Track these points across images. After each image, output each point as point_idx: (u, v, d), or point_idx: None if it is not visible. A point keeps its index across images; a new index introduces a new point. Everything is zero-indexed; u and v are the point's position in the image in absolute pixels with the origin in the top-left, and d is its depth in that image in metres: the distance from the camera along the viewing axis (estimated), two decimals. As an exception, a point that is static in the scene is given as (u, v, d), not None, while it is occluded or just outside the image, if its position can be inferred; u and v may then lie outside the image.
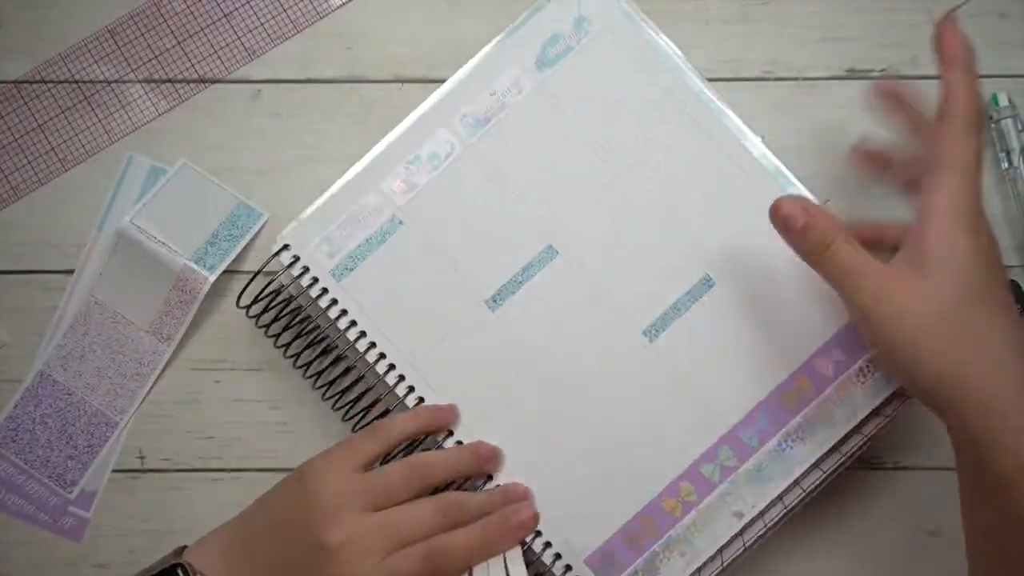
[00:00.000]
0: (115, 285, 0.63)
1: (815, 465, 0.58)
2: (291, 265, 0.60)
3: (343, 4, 0.66)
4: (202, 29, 0.66)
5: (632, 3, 0.62)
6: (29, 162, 0.65)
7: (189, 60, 0.66)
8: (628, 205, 0.60)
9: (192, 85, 0.65)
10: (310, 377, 0.62)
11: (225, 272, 0.63)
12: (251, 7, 0.66)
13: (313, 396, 0.62)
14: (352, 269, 0.60)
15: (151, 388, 0.63)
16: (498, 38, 0.62)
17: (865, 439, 0.58)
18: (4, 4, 0.65)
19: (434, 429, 0.58)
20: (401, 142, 0.61)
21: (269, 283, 0.61)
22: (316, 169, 0.65)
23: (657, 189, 0.60)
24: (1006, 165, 0.64)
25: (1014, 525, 0.48)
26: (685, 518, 0.58)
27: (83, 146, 0.65)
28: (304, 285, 0.60)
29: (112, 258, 0.63)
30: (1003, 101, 0.64)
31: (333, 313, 0.59)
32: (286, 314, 0.62)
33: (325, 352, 0.61)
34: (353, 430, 0.61)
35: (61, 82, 0.65)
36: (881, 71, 0.65)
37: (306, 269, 0.60)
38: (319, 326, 0.61)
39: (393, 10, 0.66)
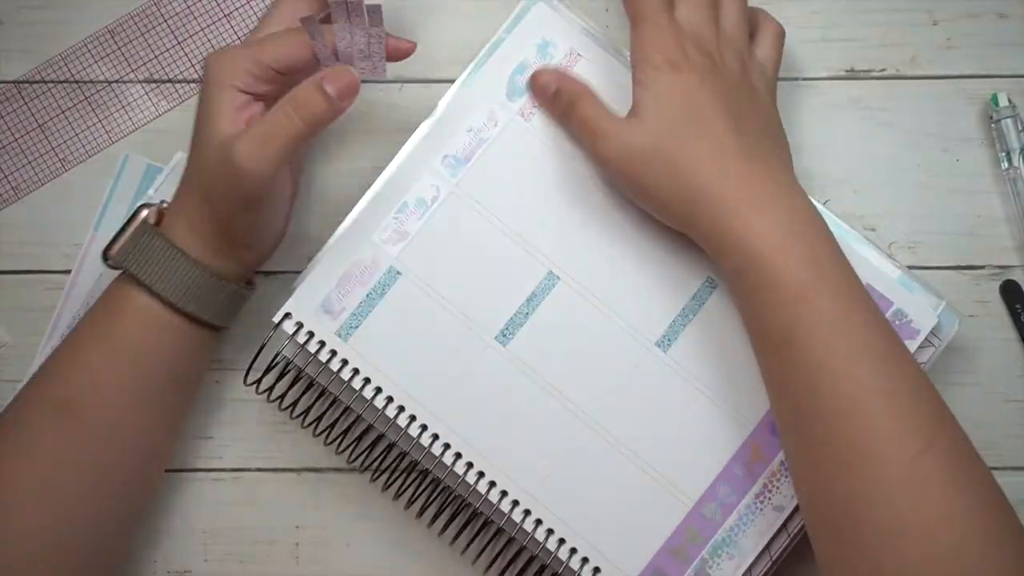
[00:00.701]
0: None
1: None
2: (295, 333, 0.59)
3: (343, 4, 0.66)
4: (202, 29, 0.66)
5: (590, 22, 0.61)
6: (29, 162, 0.65)
7: (189, 60, 0.66)
8: (621, 221, 0.60)
9: (192, 85, 0.65)
10: (331, 443, 0.61)
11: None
12: (251, 7, 0.66)
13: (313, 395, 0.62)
14: (357, 327, 0.59)
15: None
16: (464, 75, 0.61)
17: None
18: (4, 4, 0.65)
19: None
20: (386, 191, 0.60)
21: (276, 356, 0.60)
22: (316, 169, 0.65)
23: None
24: (1006, 165, 0.64)
25: (745, 311, 0.56)
26: (727, 521, 0.58)
27: (83, 146, 0.65)
28: (312, 351, 0.59)
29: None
30: (1003, 101, 0.64)
31: (346, 374, 0.58)
32: (296, 383, 0.60)
33: (343, 414, 0.60)
34: (383, 491, 0.60)
35: (61, 82, 0.65)
36: (881, 71, 0.65)
37: (311, 335, 0.59)
38: (332, 391, 0.60)
39: (393, 10, 0.66)
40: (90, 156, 0.65)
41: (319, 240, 0.62)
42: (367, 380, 0.58)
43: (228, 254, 0.58)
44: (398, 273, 0.59)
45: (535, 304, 0.59)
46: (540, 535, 0.57)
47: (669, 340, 0.59)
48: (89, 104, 0.65)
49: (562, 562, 0.57)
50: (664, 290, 0.59)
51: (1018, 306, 0.64)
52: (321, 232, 0.62)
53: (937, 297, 0.59)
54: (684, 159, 0.55)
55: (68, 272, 0.64)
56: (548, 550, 0.57)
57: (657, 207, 0.57)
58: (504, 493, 0.57)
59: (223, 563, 0.62)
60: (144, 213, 0.58)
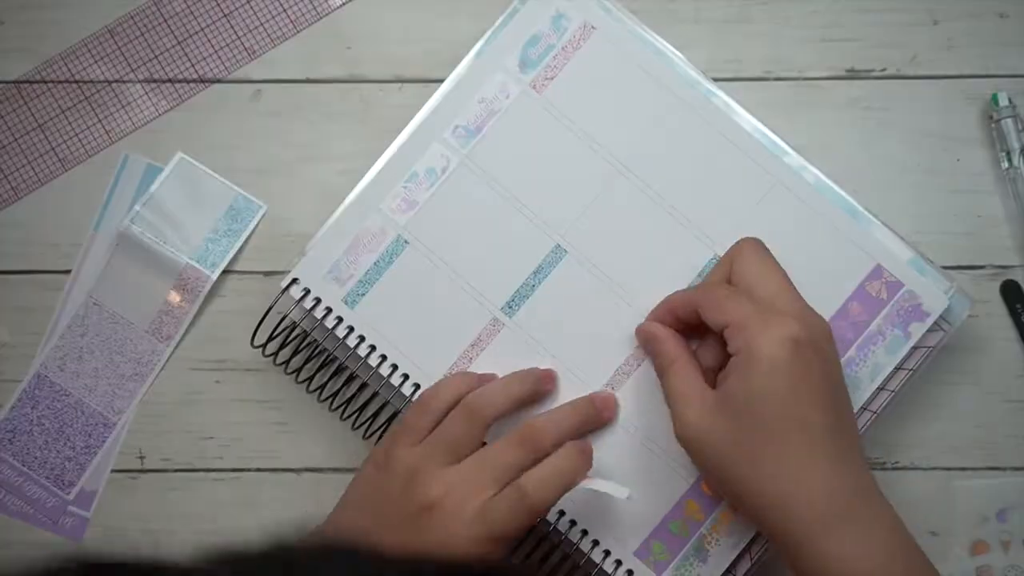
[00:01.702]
0: (114, 286, 0.63)
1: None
2: (302, 299, 0.59)
3: (343, 4, 0.66)
4: (202, 29, 0.66)
5: None
6: (29, 162, 0.65)
7: (189, 60, 0.66)
8: (630, 196, 0.60)
9: (192, 85, 0.65)
10: (337, 409, 0.61)
11: (222, 272, 0.63)
12: (251, 7, 0.66)
13: (312, 396, 0.62)
14: (364, 294, 0.59)
15: (149, 388, 0.63)
16: (477, 45, 0.61)
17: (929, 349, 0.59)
18: (4, 4, 0.65)
19: (478, 385, 0.58)
20: (396, 161, 0.61)
21: (281, 320, 0.60)
22: (316, 169, 0.65)
23: (656, 176, 0.60)
24: (1006, 165, 0.64)
25: None
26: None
27: (83, 146, 0.65)
28: (318, 317, 0.59)
29: (112, 259, 0.63)
30: (1003, 101, 0.64)
31: (352, 341, 0.59)
32: (303, 348, 0.61)
33: (348, 382, 0.61)
34: None
35: (61, 82, 0.65)
36: (881, 71, 0.65)
37: (318, 300, 0.59)
38: (337, 356, 0.60)
39: (393, 10, 0.66)
40: (90, 156, 0.65)
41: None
42: (372, 347, 0.59)
43: None
44: (406, 242, 0.60)
45: (542, 276, 0.59)
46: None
47: None
48: (89, 104, 0.65)
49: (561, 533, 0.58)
50: (671, 267, 0.59)
51: (1018, 306, 0.64)
52: (319, 232, 0.62)
53: (948, 281, 0.59)
54: (768, 458, 0.51)
55: (68, 272, 0.64)
56: (547, 521, 0.58)
57: (729, 498, 0.56)
58: None
59: (223, 563, 0.62)
60: None
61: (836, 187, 0.60)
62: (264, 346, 0.61)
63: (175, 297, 0.63)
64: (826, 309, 0.58)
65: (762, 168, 0.60)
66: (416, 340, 0.59)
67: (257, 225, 0.64)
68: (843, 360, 0.58)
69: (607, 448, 0.58)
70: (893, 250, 0.59)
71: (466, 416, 0.56)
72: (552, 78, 0.61)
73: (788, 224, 0.60)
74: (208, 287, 0.63)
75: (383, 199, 0.60)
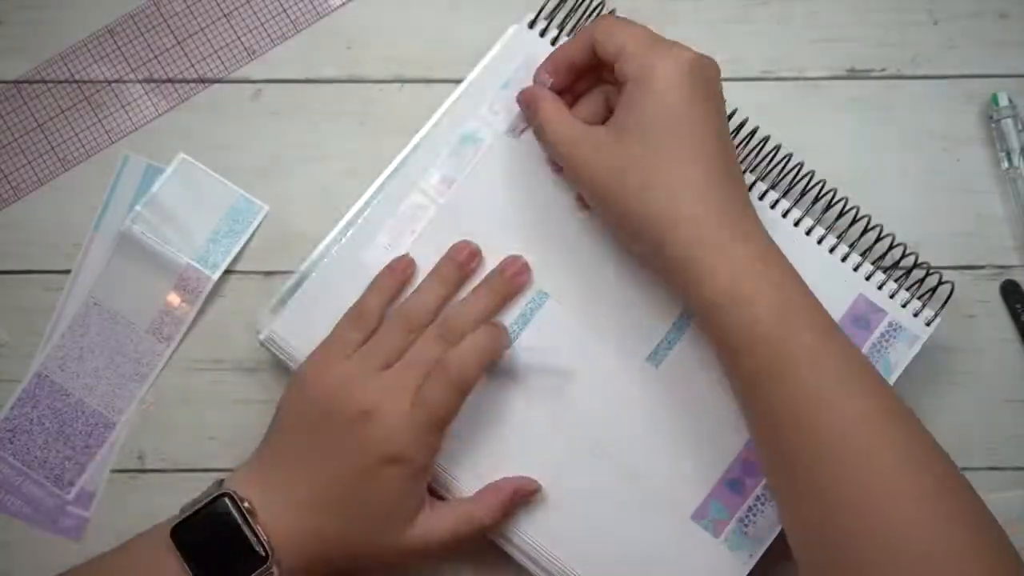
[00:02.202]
0: (115, 286, 0.63)
1: None
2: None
3: (343, 4, 0.66)
4: (202, 29, 0.66)
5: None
6: (29, 162, 0.65)
7: (189, 60, 0.66)
8: (610, 237, 0.60)
9: (192, 85, 0.65)
10: None
11: (224, 273, 0.63)
12: (251, 7, 0.66)
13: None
14: None
15: (150, 388, 0.63)
16: (455, 94, 0.62)
17: None
18: (4, 4, 0.65)
19: (405, 279, 0.60)
20: (378, 208, 0.61)
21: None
22: (316, 169, 0.65)
23: None
24: (1006, 165, 0.64)
25: (722, 348, 0.53)
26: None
27: (83, 146, 0.65)
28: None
29: (112, 259, 0.63)
30: (1003, 101, 0.64)
31: None
32: None
33: None
34: None
35: (61, 82, 0.65)
36: (881, 71, 0.65)
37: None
38: None
39: (393, 10, 0.66)
40: (90, 156, 0.65)
41: (317, 239, 0.62)
42: None
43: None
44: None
45: (524, 322, 0.60)
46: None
47: (660, 356, 0.59)
48: (89, 104, 0.65)
49: None
50: (654, 305, 0.59)
51: (1018, 306, 0.64)
52: (320, 232, 0.62)
53: (931, 310, 0.60)
54: (658, 184, 0.52)
55: (68, 272, 0.64)
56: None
57: (623, 226, 0.55)
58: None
59: (223, 563, 0.62)
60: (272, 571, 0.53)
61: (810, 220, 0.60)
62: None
63: (175, 298, 0.63)
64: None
65: None
66: None
67: (259, 226, 0.64)
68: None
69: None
70: (874, 280, 0.60)
71: (400, 326, 0.57)
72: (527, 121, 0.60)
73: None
74: (209, 288, 0.63)
75: (367, 248, 0.60)
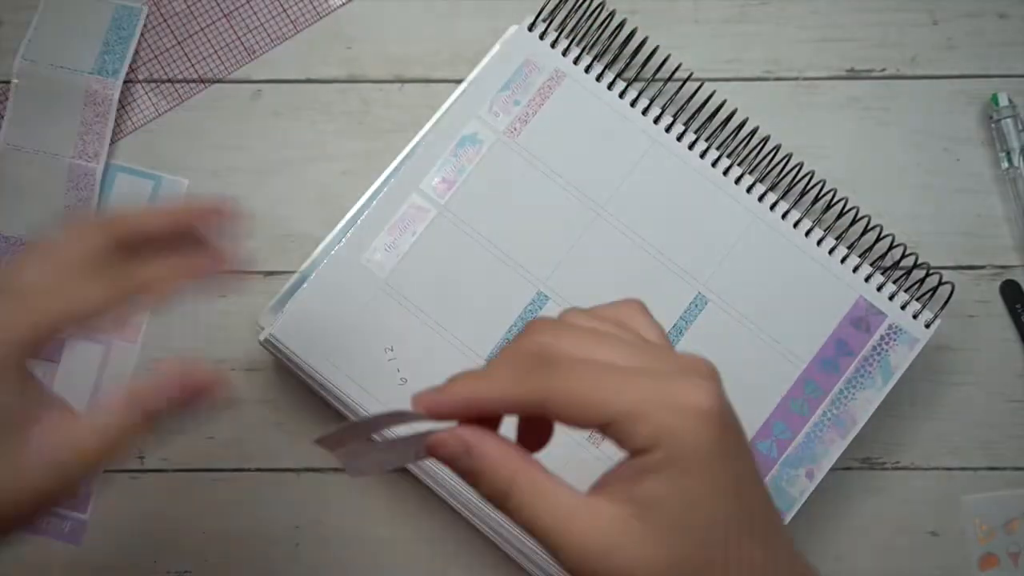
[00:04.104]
0: (27, 124, 0.63)
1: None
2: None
3: (343, 4, 0.66)
4: (202, 29, 0.66)
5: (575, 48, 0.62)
6: (29, 162, 0.65)
7: (189, 60, 0.66)
8: (611, 239, 0.60)
9: (192, 85, 0.65)
10: None
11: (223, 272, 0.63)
12: (251, 7, 0.66)
13: (312, 397, 0.62)
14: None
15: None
16: (452, 97, 0.62)
17: None
18: (4, 4, 0.65)
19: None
20: (378, 209, 0.60)
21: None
22: (316, 169, 0.65)
23: (637, 218, 0.60)
24: (1006, 165, 0.64)
25: None
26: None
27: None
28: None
29: (15, 99, 0.63)
30: (1003, 101, 0.64)
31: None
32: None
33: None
34: None
35: (61, 82, 0.65)
36: (881, 71, 0.65)
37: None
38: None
39: (393, 10, 0.66)
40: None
41: (317, 239, 0.62)
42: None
43: None
44: (388, 293, 0.60)
45: (523, 323, 0.60)
46: None
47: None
48: (89, 104, 0.65)
49: None
50: (655, 307, 0.59)
51: (1018, 306, 0.64)
52: (320, 232, 0.62)
53: (930, 312, 0.60)
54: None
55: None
56: None
57: None
58: None
59: (223, 563, 0.62)
60: None
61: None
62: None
63: (89, 114, 0.63)
64: (811, 345, 0.59)
65: (741, 206, 0.60)
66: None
67: (144, 24, 0.65)
68: (831, 396, 0.59)
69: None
70: (873, 282, 0.60)
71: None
72: (526, 123, 0.61)
73: (768, 260, 0.60)
74: (116, 95, 0.63)
75: (364, 251, 0.60)
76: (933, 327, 0.59)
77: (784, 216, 0.60)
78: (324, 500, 0.63)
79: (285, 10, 0.66)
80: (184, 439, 0.63)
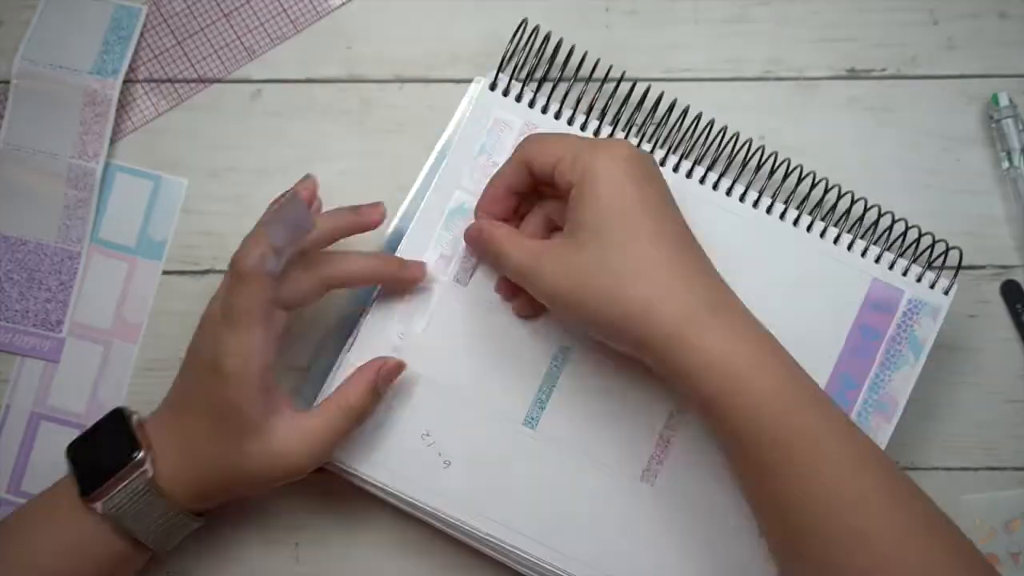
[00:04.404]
0: (26, 124, 0.63)
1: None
2: None
3: (343, 4, 0.66)
4: (202, 29, 0.66)
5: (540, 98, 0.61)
6: (29, 162, 0.65)
7: (189, 60, 0.66)
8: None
9: (192, 85, 0.65)
10: None
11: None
12: (251, 7, 0.66)
13: (312, 398, 0.62)
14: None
15: (151, 388, 0.63)
16: (414, 190, 0.62)
17: None
18: (4, 4, 0.65)
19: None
20: (384, 302, 0.60)
21: None
22: (316, 169, 0.64)
23: None
24: (1006, 165, 0.64)
25: (723, 436, 0.53)
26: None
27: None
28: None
29: (15, 99, 0.63)
30: (1003, 101, 0.64)
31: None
32: None
33: None
34: None
35: (61, 82, 0.65)
36: (881, 71, 0.65)
37: None
38: None
39: (393, 10, 0.66)
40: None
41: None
42: None
43: (212, 501, 0.57)
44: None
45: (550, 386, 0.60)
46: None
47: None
48: (89, 104, 0.65)
49: None
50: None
51: (1018, 306, 0.64)
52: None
53: (946, 280, 0.60)
54: (627, 272, 0.52)
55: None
56: None
57: (603, 333, 0.54)
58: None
59: (223, 563, 0.62)
60: (145, 467, 0.54)
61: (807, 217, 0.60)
62: None
63: (88, 114, 0.63)
64: (837, 337, 0.59)
65: (739, 218, 0.60)
66: None
67: (144, 24, 0.65)
68: (867, 383, 0.59)
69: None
70: (884, 262, 0.60)
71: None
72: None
73: (774, 264, 0.60)
74: (116, 95, 0.63)
75: (386, 332, 0.60)
76: (952, 292, 0.60)
77: (783, 216, 0.60)
78: (324, 500, 0.63)
79: (285, 10, 0.66)
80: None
